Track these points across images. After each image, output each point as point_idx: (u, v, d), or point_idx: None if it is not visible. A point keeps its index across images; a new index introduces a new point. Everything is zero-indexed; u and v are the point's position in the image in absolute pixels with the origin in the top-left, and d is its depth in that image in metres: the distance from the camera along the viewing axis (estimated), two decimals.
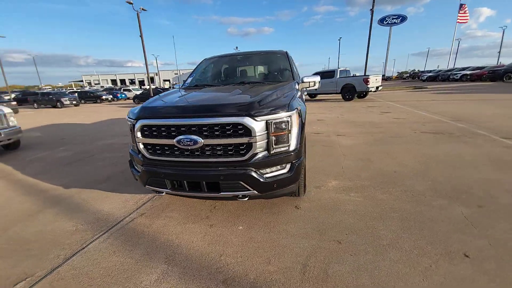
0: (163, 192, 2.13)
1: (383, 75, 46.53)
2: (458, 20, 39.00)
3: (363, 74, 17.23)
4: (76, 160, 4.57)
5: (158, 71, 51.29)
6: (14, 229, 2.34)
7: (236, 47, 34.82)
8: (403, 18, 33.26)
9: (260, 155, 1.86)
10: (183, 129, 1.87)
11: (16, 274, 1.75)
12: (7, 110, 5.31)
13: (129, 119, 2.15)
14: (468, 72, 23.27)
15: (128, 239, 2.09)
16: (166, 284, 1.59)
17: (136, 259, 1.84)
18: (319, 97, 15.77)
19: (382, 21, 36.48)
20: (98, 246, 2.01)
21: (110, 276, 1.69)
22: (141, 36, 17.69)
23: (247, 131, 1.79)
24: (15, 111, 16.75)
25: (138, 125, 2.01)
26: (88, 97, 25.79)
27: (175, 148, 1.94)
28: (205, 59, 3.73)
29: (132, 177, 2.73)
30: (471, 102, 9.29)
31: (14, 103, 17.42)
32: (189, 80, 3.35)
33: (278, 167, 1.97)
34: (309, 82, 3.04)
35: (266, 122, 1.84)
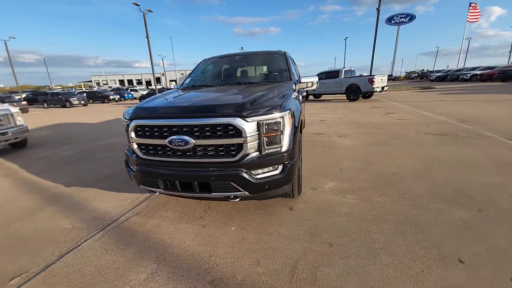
0: (156, 192, 2.14)
1: (390, 75, 45.87)
2: (468, 19, 38.08)
3: (369, 74, 17.02)
4: (79, 159, 4.66)
5: (165, 71, 51.88)
6: (14, 226, 2.40)
7: (242, 47, 34.88)
8: (411, 17, 32.64)
9: (251, 156, 1.86)
10: (175, 129, 1.88)
11: (12, 270, 1.80)
12: (14, 109, 5.46)
13: (124, 119, 2.18)
14: (478, 72, 22.68)
15: (122, 238, 2.11)
16: (155, 283, 1.60)
17: (128, 258, 1.86)
18: (323, 97, 15.64)
19: (389, 20, 35.90)
20: (92, 244, 2.05)
21: (100, 274, 1.71)
22: (147, 37, 17.94)
23: (238, 132, 1.78)
24: (25, 111, 17.28)
25: (132, 125, 2.03)
26: (96, 97, 26.29)
27: (168, 148, 1.95)
28: (204, 59, 3.75)
29: None
30: (479, 102, 9.05)
31: (24, 102, 17.91)
32: (187, 80, 3.37)
33: (270, 168, 1.96)
34: (307, 82, 3.02)
35: (258, 123, 1.83)
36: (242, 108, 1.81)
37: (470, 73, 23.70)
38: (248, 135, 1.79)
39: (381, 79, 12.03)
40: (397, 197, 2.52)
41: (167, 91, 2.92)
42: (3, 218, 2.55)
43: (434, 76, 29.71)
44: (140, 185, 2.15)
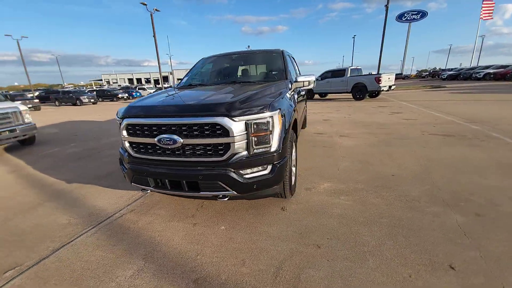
0: (148, 190, 2.17)
1: (400, 74, 44.80)
2: (481, 16, 36.73)
3: (377, 73, 16.67)
4: (83, 156, 4.77)
5: (172, 70, 52.47)
6: (15, 220, 2.49)
7: (248, 46, 34.84)
8: (423, 14, 31.79)
9: (239, 156, 1.85)
10: (164, 128, 1.89)
11: (8, 263, 1.86)
12: (22, 107, 5.64)
13: (117, 117, 2.21)
14: (492, 71, 21.82)
15: (114, 234, 2.15)
16: (140, 280, 1.62)
17: (117, 254, 1.89)
18: (329, 96, 15.44)
19: (400, 17, 35.06)
20: (85, 240, 2.09)
21: (89, 269, 1.75)
22: (154, 36, 18.17)
23: (225, 131, 1.78)
24: (37, 108, 17.86)
25: (123, 123, 2.06)
26: (106, 95, 26.86)
27: (157, 147, 1.97)
28: (202, 58, 3.76)
29: None
30: (491, 102, 8.72)
31: (37, 100, 18.46)
32: (185, 79, 3.39)
33: (260, 168, 1.95)
34: (303, 81, 2.98)
35: (246, 123, 1.82)
36: (229, 108, 1.81)
37: (483, 71, 22.84)
38: (235, 134, 1.78)
39: (388, 78, 11.76)
40: (392, 199, 2.46)
41: (161, 91, 2.95)
42: (5, 212, 2.65)
43: (445, 75, 28.79)
44: (132, 183, 2.18)
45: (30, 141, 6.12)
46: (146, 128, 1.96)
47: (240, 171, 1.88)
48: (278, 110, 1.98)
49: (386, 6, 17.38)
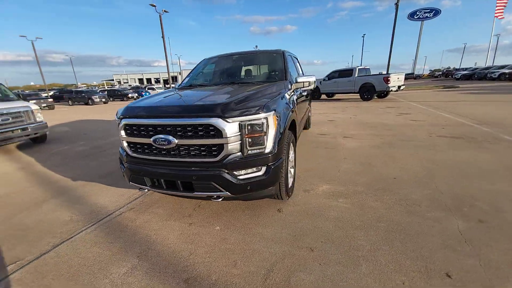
0: (145, 189, 2.20)
1: (412, 73, 43.67)
2: (495, 15, 35.33)
3: (386, 72, 16.32)
4: (90, 154, 4.90)
5: (181, 70, 53.14)
6: (20, 216, 2.58)
7: (256, 46, 34.83)
8: (436, 12, 30.84)
9: (233, 157, 1.85)
10: (159, 129, 1.92)
11: (10, 257, 1.93)
12: (34, 107, 5.84)
13: (116, 118, 2.26)
14: (507, 71, 20.92)
15: (112, 232, 2.20)
16: (133, 278, 1.65)
17: (114, 251, 1.93)
18: (336, 96, 15.25)
19: (412, 15, 34.15)
20: (84, 237, 2.15)
21: (86, 265, 1.79)
22: (163, 37, 18.47)
23: (218, 133, 1.78)
24: (51, 108, 18.46)
25: (121, 124, 2.10)
26: (116, 95, 27.49)
27: (153, 147, 2.00)
28: (204, 58, 3.79)
29: None
30: (504, 103, 8.37)
31: (51, 100, 19.10)
32: (186, 80, 3.43)
33: (254, 169, 1.94)
34: (303, 82, 2.95)
35: (240, 124, 1.82)
36: (223, 109, 1.81)
37: (498, 71, 21.93)
38: (229, 135, 1.78)
39: (398, 78, 11.49)
40: (392, 203, 2.40)
41: (161, 91, 2.99)
42: (12, 208, 2.75)
43: (459, 75, 27.84)
44: (130, 182, 2.22)
45: (42, 139, 6.34)
46: (143, 128, 1.99)
47: (234, 172, 1.88)
48: (273, 112, 1.97)
49: (396, 5, 16.98)
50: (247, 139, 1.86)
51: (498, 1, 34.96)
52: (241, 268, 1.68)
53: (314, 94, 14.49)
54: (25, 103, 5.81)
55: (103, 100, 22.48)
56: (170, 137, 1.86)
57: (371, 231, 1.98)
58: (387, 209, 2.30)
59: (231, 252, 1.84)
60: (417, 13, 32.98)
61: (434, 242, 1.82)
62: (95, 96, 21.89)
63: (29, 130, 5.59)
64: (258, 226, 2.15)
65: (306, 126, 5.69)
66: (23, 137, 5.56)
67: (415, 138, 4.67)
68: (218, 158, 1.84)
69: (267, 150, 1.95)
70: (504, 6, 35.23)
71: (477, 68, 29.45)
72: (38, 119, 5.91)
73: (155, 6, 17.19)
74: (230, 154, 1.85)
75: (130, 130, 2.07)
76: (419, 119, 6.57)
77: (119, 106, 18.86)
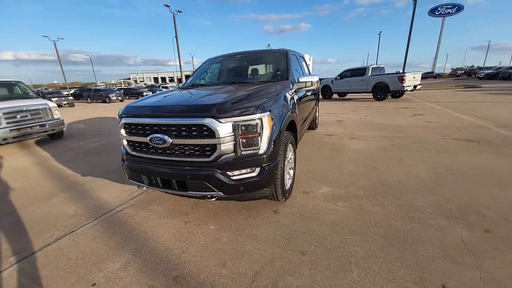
0: (143, 187, 2.26)
1: (432, 72, 41.79)
2: None
3: (402, 71, 15.73)
4: (101, 151, 5.10)
5: (194, 69, 53.99)
6: (30, 208, 2.72)
7: (268, 45, 34.73)
8: (458, 8, 29.35)
9: (226, 157, 1.85)
10: (155, 128, 1.95)
11: (15, 248, 2.05)
12: (51, 104, 6.15)
13: (117, 117, 2.33)
14: None
15: (111, 227, 2.27)
16: (125, 273, 1.70)
17: (111, 246, 2.00)
18: (349, 96, 14.89)
19: (433, 11, 32.69)
20: (85, 231, 2.24)
21: (83, 259, 1.86)
22: (176, 37, 18.84)
23: (211, 133, 1.79)
24: (71, 105, 19.38)
25: (121, 122, 2.16)
26: (132, 93, 28.38)
27: (150, 146, 2.04)
28: (209, 58, 3.81)
29: None
30: None
31: (71, 98, 20.06)
32: (189, 79, 3.47)
33: (248, 170, 1.94)
34: (305, 82, 2.90)
35: (233, 124, 1.82)
36: (216, 109, 1.81)
37: None
38: (222, 136, 1.79)
39: (414, 77, 11.03)
40: (394, 208, 2.31)
41: (164, 91, 3.05)
42: (23, 201, 2.91)
43: (482, 74, 26.27)
44: (129, 180, 2.28)
45: (59, 135, 6.66)
46: (140, 127, 2.04)
47: (227, 173, 1.88)
48: (268, 112, 1.95)
49: (414, 0, 16.26)
50: (240, 139, 1.86)
51: None
52: (230, 268, 1.69)
53: (326, 94, 14.24)
54: (43, 101, 6.13)
55: (119, 98, 23.29)
56: (165, 137, 1.89)
57: (367, 237, 1.92)
58: (387, 214, 2.21)
59: (222, 252, 1.85)
60: (439, 9, 31.55)
61: (433, 251, 1.73)
62: (112, 94, 22.74)
63: (47, 126, 5.90)
64: (252, 227, 2.14)
65: (313, 127, 5.60)
66: (41, 133, 5.87)
67: (426, 141, 4.46)
68: (211, 158, 1.85)
69: (261, 151, 1.93)
70: None
71: (501, 67, 27.69)
72: (55, 116, 6.22)
73: (169, 6, 17.57)
74: (223, 155, 1.85)
75: (129, 128, 2.12)
76: (434, 120, 6.28)
77: None
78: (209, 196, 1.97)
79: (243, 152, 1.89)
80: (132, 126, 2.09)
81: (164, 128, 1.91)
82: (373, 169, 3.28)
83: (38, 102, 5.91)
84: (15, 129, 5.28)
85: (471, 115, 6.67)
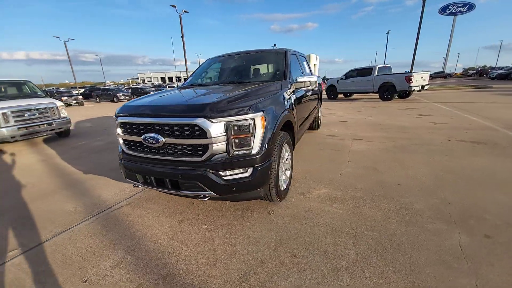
0: (139, 186, 2.28)
1: (442, 72, 40.83)
2: None
3: (410, 71, 15.43)
4: (104, 149, 5.19)
5: None
6: (32, 205, 2.79)
7: (275, 44, 34.64)
8: (470, 6, 28.56)
9: (218, 157, 1.85)
10: (149, 127, 1.97)
11: (14, 243, 2.10)
12: (59, 103, 6.29)
13: (114, 116, 2.36)
14: None
15: (107, 225, 2.30)
16: (116, 270, 1.72)
17: (105, 244, 2.03)
18: (355, 96, 14.69)
19: (444, 10, 31.96)
20: (82, 228, 2.27)
21: (77, 256, 1.90)
22: (182, 37, 19.01)
23: (203, 133, 1.79)
24: (81, 104, 19.82)
25: (117, 121, 2.19)
26: (139, 92, 28.77)
27: (144, 145, 2.05)
28: (209, 58, 3.82)
29: None
30: None
31: (81, 97, 20.51)
32: (189, 79, 3.49)
33: (241, 170, 1.93)
34: (304, 82, 2.87)
35: (226, 124, 1.81)
36: (208, 109, 1.81)
37: None
38: (213, 135, 1.78)
39: (421, 77, 10.79)
40: (391, 211, 2.26)
41: (162, 90, 3.07)
42: (27, 198, 2.99)
43: (494, 74, 25.43)
44: (125, 178, 2.31)
45: (66, 133, 6.82)
46: (135, 126, 2.06)
47: (219, 173, 1.88)
48: (261, 112, 1.94)
49: None
50: (233, 139, 1.85)
51: None
52: (219, 269, 1.68)
53: (331, 94, 14.10)
54: (51, 100, 6.28)
55: (127, 97, 23.66)
56: (159, 136, 1.90)
57: (361, 240, 1.88)
58: (384, 217, 2.17)
59: (213, 252, 1.84)
60: (449, 7, 30.82)
61: (428, 256, 1.68)
62: (119, 94, 23.13)
63: (54, 125, 6.04)
64: (245, 227, 2.13)
65: (315, 127, 5.55)
66: (48, 131, 6.03)
67: (431, 142, 4.35)
68: (203, 158, 1.85)
69: (254, 151, 1.92)
70: None
71: None
72: (62, 115, 6.36)
73: (175, 6, 17.76)
74: (215, 154, 1.85)
75: (125, 128, 2.15)
76: (440, 121, 6.12)
77: None
78: (201, 196, 1.97)
79: (236, 152, 1.88)
80: (127, 125, 2.12)
81: (158, 128, 1.93)
82: (373, 170, 3.22)
83: (46, 101, 6.06)
84: (23, 127, 5.43)
85: (479, 116, 6.48)
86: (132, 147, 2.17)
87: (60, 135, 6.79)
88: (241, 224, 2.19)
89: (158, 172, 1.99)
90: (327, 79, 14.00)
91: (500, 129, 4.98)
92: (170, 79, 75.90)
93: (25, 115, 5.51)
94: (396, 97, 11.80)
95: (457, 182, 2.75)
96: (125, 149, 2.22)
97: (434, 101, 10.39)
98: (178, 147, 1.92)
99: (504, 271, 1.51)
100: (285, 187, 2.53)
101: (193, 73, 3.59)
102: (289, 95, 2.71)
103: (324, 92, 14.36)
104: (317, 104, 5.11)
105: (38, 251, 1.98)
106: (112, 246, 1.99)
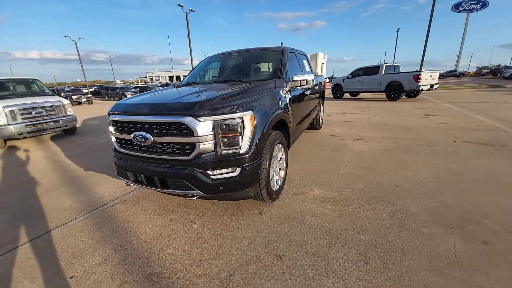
0: (131, 183, 2.29)
1: (454, 71, 39.63)
2: None
3: (419, 69, 15.01)
4: (107, 147, 5.27)
5: None
6: (31, 200, 2.86)
7: (281, 43, 34.45)
8: (483, 4, 27.57)
9: (205, 156, 1.84)
10: (139, 125, 1.97)
11: (10, 237, 2.15)
12: (65, 101, 6.44)
13: (107, 114, 2.38)
14: None
15: (100, 221, 2.33)
16: (103, 267, 1.73)
17: (95, 240, 2.05)
18: (361, 95, 14.43)
19: (457, 7, 31.00)
20: (75, 224, 2.31)
21: (67, 252, 1.92)
22: (188, 36, 19.14)
23: (190, 131, 1.78)
24: (90, 102, 20.27)
25: (109, 119, 2.20)
26: (147, 91, 29.29)
27: (134, 143, 2.06)
28: (207, 56, 3.82)
29: None
30: None
31: (90, 95, 20.97)
32: (186, 77, 3.49)
33: (229, 169, 1.91)
34: (300, 80, 2.82)
35: (213, 123, 1.80)
36: (195, 108, 1.80)
37: None
38: (201, 134, 1.77)
39: (430, 76, 10.48)
40: (385, 214, 2.19)
41: (158, 89, 3.08)
42: (27, 193, 3.07)
43: (508, 73, 24.44)
44: (118, 176, 2.32)
45: (72, 131, 6.97)
46: (125, 124, 2.07)
47: (207, 172, 1.86)
48: (250, 111, 1.91)
49: None
50: (221, 138, 1.83)
51: None
52: (203, 269, 1.67)
53: (337, 93, 13.90)
54: (57, 98, 6.43)
55: None
56: (148, 135, 1.91)
57: (350, 243, 1.83)
58: (377, 220, 2.10)
59: (199, 252, 1.83)
60: (462, 4, 29.86)
61: (419, 262, 1.62)
62: (128, 92, 23.52)
63: (60, 122, 6.19)
64: (234, 227, 2.12)
65: (316, 126, 5.47)
66: (55, 129, 6.17)
67: (436, 143, 4.21)
68: (191, 157, 1.84)
69: (243, 151, 1.90)
70: None
71: None
72: (68, 113, 6.51)
73: (182, 6, 17.90)
74: (203, 153, 1.83)
75: (116, 126, 2.16)
76: (448, 122, 5.93)
77: None
78: (190, 195, 1.96)
79: (224, 152, 1.86)
80: (118, 123, 2.13)
81: (147, 126, 1.93)
82: (371, 171, 3.14)
83: (53, 99, 6.21)
84: (30, 125, 5.58)
85: (489, 116, 6.23)
86: (124, 145, 2.19)
87: (67, 133, 6.95)
88: (231, 224, 2.17)
89: (148, 170, 2.00)
90: (333, 78, 13.78)
91: (509, 130, 4.78)
92: (178, 77, 76.71)
93: (32, 112, 5.66)
94: (404, 96, 11.52)
95: (458, 185, 2.64)
96: (117, 147, 2.24)
97: (443, 100, 10.08)
98: (166, 146, 1.92)
99: (498, 281, 1.44)
100: (278, 187, 2.50)
101: (190, 72, 3.60)
102: (284, 94, 2.67)
103: (330, 91, 14.18)
104: (318, 103, 5.03)
105: (30, 246, 2.02)
106: (102, 243, 2.01)
